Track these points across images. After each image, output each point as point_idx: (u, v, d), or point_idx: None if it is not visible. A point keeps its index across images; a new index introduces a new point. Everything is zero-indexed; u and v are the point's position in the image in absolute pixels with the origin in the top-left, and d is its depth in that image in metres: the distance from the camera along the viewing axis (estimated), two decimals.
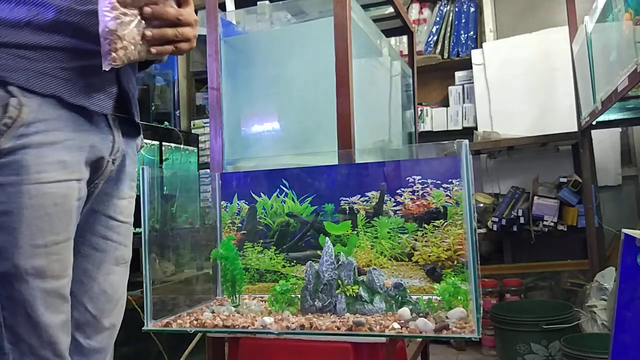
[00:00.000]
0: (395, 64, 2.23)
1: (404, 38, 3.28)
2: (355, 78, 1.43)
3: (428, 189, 1.27)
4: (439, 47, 3.56)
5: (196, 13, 0.99)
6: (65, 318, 0.88)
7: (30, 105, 0.83)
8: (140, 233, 1.20)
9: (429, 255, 1.27)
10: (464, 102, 3.44)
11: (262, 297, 1.35)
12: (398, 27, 2.38)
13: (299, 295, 1.19)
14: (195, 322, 1.16)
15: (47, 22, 0.85)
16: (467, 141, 1.05)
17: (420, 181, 1.28)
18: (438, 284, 1.17)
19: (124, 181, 1.03)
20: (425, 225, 1.27)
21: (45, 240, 0.84)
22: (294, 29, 1.80)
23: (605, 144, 3.13)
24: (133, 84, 1.02)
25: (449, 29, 3.56)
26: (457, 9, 3.57)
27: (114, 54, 0.85)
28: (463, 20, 3.53)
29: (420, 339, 1.73)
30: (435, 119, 3.48)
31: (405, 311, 1.10)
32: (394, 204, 1.30)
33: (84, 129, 0.91)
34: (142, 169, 1.20)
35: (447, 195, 1.26)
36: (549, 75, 3.13)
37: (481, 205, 3.10)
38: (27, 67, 0.84)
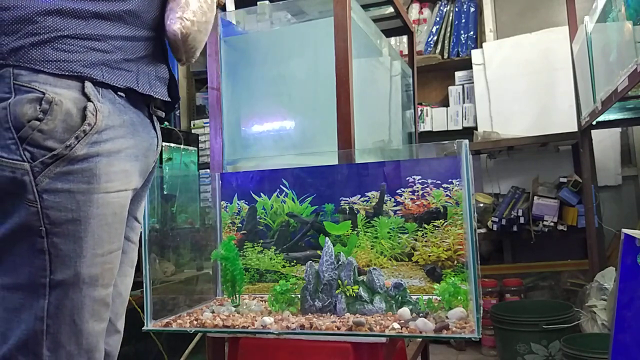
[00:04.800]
0: (395, 64, 2.23)
1: (404, 38, 3.28)
2: (355, 78, 1.43)
3: (428, 189, 1.27)
4: (439, 47, 3.56)
5: None
6: (105, 326, 0.89)
7: (103, 112, 0.83)
8: (140, 233, 1.20)
9: (429, 255, 1.27)
10: (464, 102, 3.44)
11: (262, 297, 1.35)
12: (398, 27, 2.38)
13: (299, 295, 1.19)
14: (195, 322, 1.16)
15: (110, 12, 0.85)
16: (467, 141, 1.05)
17: (420, 181, 1.28)
18: (438, 284, 1.17)
19: (150, 181, 1.04)
20: (425, 225, 1.27)
21: (103, 249, 0.85)
22: (294, 29, 1.80)
23: (605, 144, 3.13)
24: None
25: (449, 29, 3.56)
26: (457, 9, 3.57)
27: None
28: (463, 20, 3.53)
29: (420, 339, 1.73)
30: (435, 119, 3.48)
31: (405, 311, 1.10)
32: (394, 204, 1.30)
33: (139, 133, 0.92)
34: None
35: (447, 195, 1.26)
36: (549, 75, 3.13)
37: (481, 205, 3.10)
38: (101, 61, 0.84)
